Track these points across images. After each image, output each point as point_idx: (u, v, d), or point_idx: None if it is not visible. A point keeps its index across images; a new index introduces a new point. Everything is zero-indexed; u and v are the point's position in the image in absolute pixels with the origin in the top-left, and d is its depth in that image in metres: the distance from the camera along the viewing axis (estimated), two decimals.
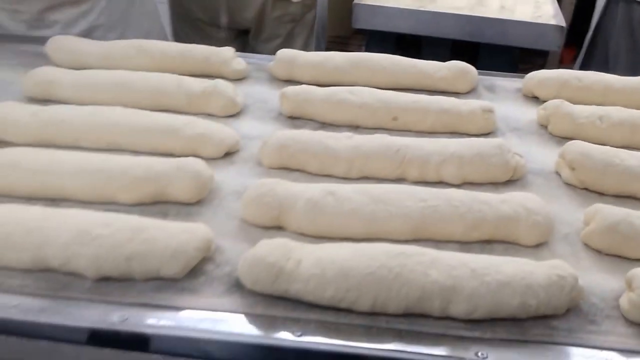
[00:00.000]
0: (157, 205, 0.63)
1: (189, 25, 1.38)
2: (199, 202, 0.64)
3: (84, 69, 0.84)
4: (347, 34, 2.73)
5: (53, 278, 0.53)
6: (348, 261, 0.52)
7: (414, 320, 0.51)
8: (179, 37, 1.38)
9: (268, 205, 0.60)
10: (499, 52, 1.31)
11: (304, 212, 0.59)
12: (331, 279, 0.51)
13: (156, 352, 0.49)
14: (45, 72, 0.81)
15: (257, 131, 0.78)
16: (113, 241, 0.53)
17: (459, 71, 0.90)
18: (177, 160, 0.64)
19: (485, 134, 0.80)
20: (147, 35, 0.99)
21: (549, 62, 1.93)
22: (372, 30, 1.27)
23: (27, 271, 0.54)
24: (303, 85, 0.83)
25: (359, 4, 1.19)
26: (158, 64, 0.86)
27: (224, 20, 1.36)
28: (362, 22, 1.19)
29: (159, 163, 0.63)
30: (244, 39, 1.41)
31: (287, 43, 1.35)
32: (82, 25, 1.05)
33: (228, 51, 0.90)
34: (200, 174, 0.63)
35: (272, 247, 0.53)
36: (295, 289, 0.51)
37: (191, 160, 0.64)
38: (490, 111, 0.80)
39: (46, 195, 0.62)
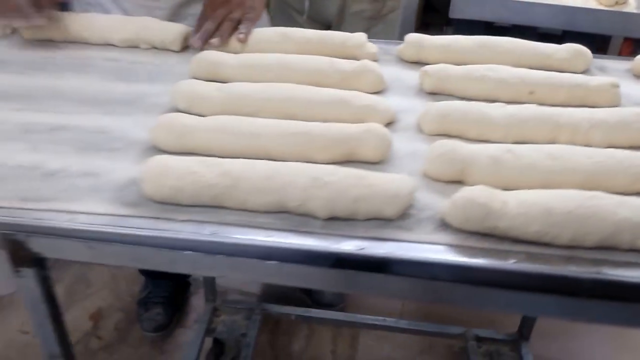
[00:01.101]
0: (347, 164, 0.73)
1: (286, 17, 1.49)
2: (381, 162, 0.74)
3: (235, 53, 0.95)
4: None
5: (290, 218, 0.64)
6: (549, 202, 0.62)
7: (605, 252, 0.61)
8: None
9: (452, 161, 0.70)
10: (581, 39, 1.40)
11: (486, 166, 0.69)
12: (536, 216, 0.61)
13: (393, 273, 0.59)
14: (211, 55, 0.92)
15: (405, 105, 0.88)
16: (342, 186, 0.63)
17: (576, 52, 1.00)
18: (365, 124, 0.74)
19: (612, 107, 0.90)
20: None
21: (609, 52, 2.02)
22: (461, 19, 1.37)
23: (267, 212, 0.64)
24: (441, 64, 0.93)
25: None
26: (300, 48, 0.96)
27: (306, 14, 1.48)
28: (460, 12, 1.29)
29: (349, 127, 0.73)
30: None
31: None
32: None
33: (361, 36, 1.00)
34: (385, 136, 0.73)
35: (479, 190, 0.63)
36: (504, 225, 0.61)
37: (376, 124, 0.74)
38: (616, 86, 0.90)
39: (254, 156, 0.72)
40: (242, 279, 0.77)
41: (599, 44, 1.56)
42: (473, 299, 0.60)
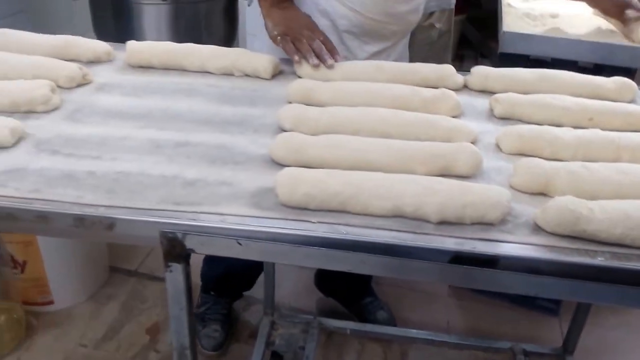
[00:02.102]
0: (443, 177, 0.85)
1: None
2: (471, 176, 0.86)
3: (331, 81, 1.09)
4: None
5: (405, 221, 0.76)
6: (628, 209, 0.74)
7: None
8: None
9: (537, 175, 0.83)
10: (616, 71, 1.54)
11: (566, 180, 0.82)
12: (618, 221, 0.73)
13: (502, 269, 0.71)
14: (305, 82, 1.07)
15: (480, 127, 1.01)
16: (452, 193, 0.75)
17: (624, 84, 1.14)
18: (459, 143, 0.87)
19: None
20: None
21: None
22: (505, 53, 1.52)
23: (384, 217, 0.76)
24: (510, 93, 1.07)
25: (508, 32, 1.45)
26: (392, 78, 1.11)
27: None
28: (508, 47, 1.44)
29: (445, 145, 0.87)
30: None
31: None
32: None
33: (450, 68, 1.16)
34: (477, 154, 0.86)
35: (569, 199, 0.75)
36: (591, 229, 0.73)
37: (468, 143, 0.87)
38: None
39: (362, 169, 0.84)
40: (371, 273, 0.90)
41: (632, 76, 1.71)
42: (571, 290, 0.71)
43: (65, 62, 1.11)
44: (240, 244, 0.73)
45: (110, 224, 0.74)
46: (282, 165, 0.85)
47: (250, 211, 0.76)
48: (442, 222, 0.76)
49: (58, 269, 1.72)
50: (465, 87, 1.17)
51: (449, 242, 0.73)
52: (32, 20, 2.02)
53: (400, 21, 1.33)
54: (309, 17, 1.25)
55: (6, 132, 0.87)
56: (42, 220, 0.75)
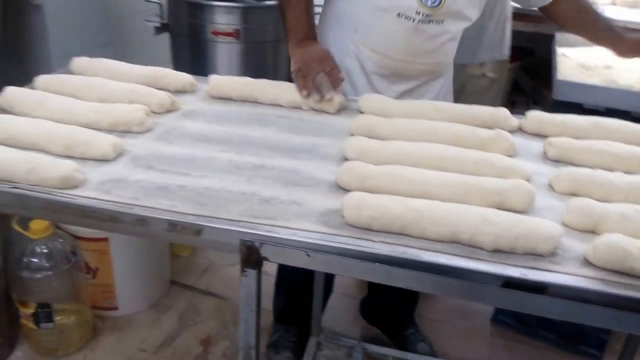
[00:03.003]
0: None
1: None
2: (525, 212, 0.92)
3: (391, 117, 1.18)
4: None
5: (460, 247, 0.82)
6: None
7: None
8: None
9: (589, 214, 0.88)
10: None
11: (616, 220, 0.86)
12: None
13: (551, 295, 0.75)
14: (368, 118, 1.16)
15: (533, 168, 1.06)
16: (507, 225, 0.81)
17: None
18: (514, 180, 0.93)
19: None
20: None
21: None
22: (557, 100, 1.57)
23: (441, 242, 0.82)
24: (564, 137, 1.12)
25: (563, 80, 1.51)
26: (449, 117, 1.18)
27: None
28: (563, 95, 1.50)
29: (501, 181, 0.93)
30: None
31: None
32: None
33: (505, 111, 1.23)
34: (532, 191, 0.92)
35: (620, 237, 0.79)
36: (639, 266, 0.77)
37: (523, 181, 0.93)
38: None
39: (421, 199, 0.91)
40: (427, 291, 0.97)
41: None
42: (618, 321, 0.75)
43: (157, 90, 1.26)
44: (308, 255, 0.81)
45: (198, 230, 0.84)
46: (346, 190, 0.94)
47: (319, 228, 0.85)
48: (496, 251, 0.81)
49: (125, 278, 1.85)
50: (520, 130, 1.23)
51: (502, 268, 0.78)
52: (117, 52, 2.23)
53: (426, 60, 1.37)
54: (324, 50, 1.34)
55: (109, 148, 1.00)
56: (141, 224, 0.86)
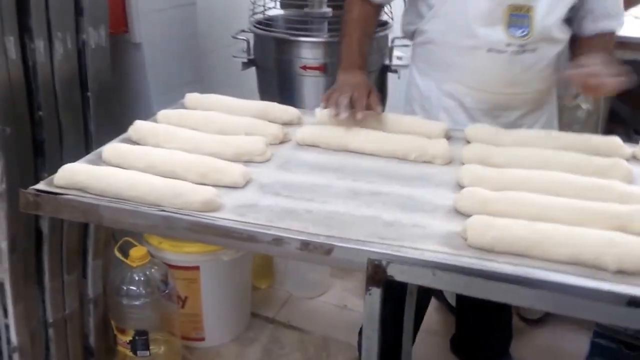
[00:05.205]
0: None
1: None
2: None
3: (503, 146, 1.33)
4: None
5: (583, 269, 0.94)
6: None
7: None
8: None
9: None
10: None
11: None
12: None
13: None
14: (481, 147, 1.32)
15: None
16: (631, 247, 0.93)
17: None
18: (634, 205, 1.04)
19: None
20: None
21: None
22: None
23: (562, 262, 0.95)
24: None
25: None
26: (561, 145, 1.31)
27: None
28: None
29: (622, 206, 1.05)
30: None
31: None
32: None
33: (618, 140, 1.34)
34: None
35: None
36: None
37: None
38: None
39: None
40: (542, 309, 1.09)
41: None
42: None
43: (270, 123, 1.47)
44: (434, 274, 0.96)
45: (329, 249, 1.01)
46: (466, 215, 1.08)
47: (442, 249, 0.99)
48: (619, 272, 0.93)
49: (212, 309, 2.05)
50: (633, 157, 1.33)
51: (625, 288, 0.89)
52: (206, 87, 2.51)
53: (526, 89, 1.47)
54: (363, 79, 1.50)
55: (240, 176, 1.21)
56: (277, 243, 1.04)
